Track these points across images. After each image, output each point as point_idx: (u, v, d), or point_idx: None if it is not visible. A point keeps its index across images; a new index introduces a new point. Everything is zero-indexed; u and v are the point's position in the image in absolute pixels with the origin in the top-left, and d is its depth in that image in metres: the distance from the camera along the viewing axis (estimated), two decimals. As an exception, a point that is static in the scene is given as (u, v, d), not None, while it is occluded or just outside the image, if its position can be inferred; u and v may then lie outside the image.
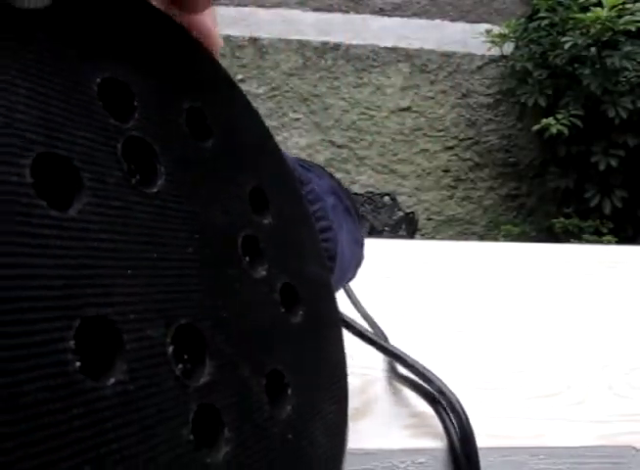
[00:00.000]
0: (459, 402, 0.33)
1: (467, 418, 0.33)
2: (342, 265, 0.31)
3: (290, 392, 0.15)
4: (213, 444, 0.13)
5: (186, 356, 0.13)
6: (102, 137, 0.12)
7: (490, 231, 2.46)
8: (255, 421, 0.14)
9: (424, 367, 0.35)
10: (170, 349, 0.12)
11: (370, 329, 0.44)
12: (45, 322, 0.10)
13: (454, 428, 0.34)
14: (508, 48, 2.35)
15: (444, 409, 0.35)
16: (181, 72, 0.16)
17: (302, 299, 0.17)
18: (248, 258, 0.16)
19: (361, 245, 0.35)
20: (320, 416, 0.16)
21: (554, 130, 2.07)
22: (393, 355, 0.36)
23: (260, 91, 2.39)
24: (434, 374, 0.35)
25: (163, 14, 0.16)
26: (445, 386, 0.34)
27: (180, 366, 0.12)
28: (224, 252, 0.15)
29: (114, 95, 0.13)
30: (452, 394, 0.34)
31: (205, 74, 0.17)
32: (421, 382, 0.37)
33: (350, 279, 0.36)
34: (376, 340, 0.37)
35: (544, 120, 2.10)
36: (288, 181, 0.19)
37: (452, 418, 0.34)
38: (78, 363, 0.10)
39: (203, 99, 0.16)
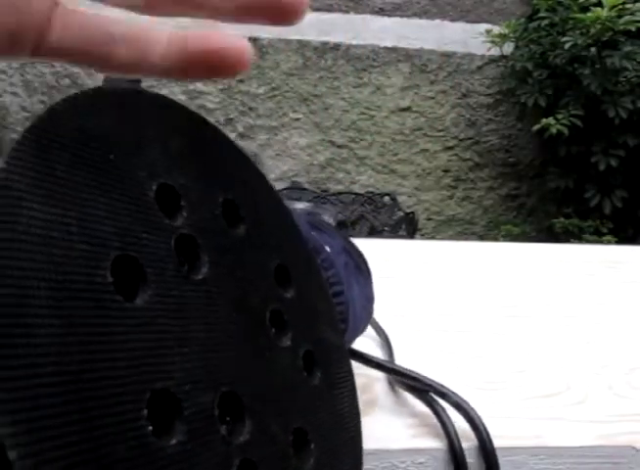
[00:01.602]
0: (480, 419, 0.33)
1: (488, 435, 0.32)
2: (355, 323, 0.33)
3: (312, 446, 0.17)
4: None
5: (228, 418, 0.15)
6: (161, 237, 0.15)
7: (490, 231, 2.46)
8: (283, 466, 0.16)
9: (441, 385, 0.35)
10: (217, 412, 0.14)
11: (377, 335, 0.44)
12: (124, 395, 0.12)
13: (454, 428, 0.34)
14: (508, 48, 2.35)
15: (443, 410, 0.35)
16: (215, 168, 0.18)
17: (320, 362, 0.20)
18: (274, 330, 0.18)
19: (371, 301, 0.37)
20: (339, 466, 0.18)
21: (554, 130, 2.07)
22: (406, 376, 0.36)
23: (260, 91, 2.39)
24: (449, 389, 0.35)
25: (192, 113, 0.18)
26: (465, 402, 0.34)
27: (224, 426, 0.15)
28: (256, 326, 0.17)
29: (167, 198, 0.16)
30: (472, 410, 0.33)
31: (235, 166, 0.19)
32: (421, 383, 0.37)
33: (362, 332, 0.38)
34: (388, 365, 0.37)
35: (544, 120, 2.10)
36: (306, 256, 0.22)
37: (452, 419, 0.34)
38: (150, 428, 0.12)
39: (235, 190, 0.19)
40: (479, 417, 0.33)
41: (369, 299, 0.36)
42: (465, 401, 0.34)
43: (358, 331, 0.35)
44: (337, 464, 0.18)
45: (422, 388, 0.37)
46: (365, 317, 0.36)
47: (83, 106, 0.15)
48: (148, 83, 2.23)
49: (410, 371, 0.36)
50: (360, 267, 0.36)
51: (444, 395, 0.35)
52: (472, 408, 0.33)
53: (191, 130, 0.18)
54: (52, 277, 0.12)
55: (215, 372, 0.15)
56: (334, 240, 0.33)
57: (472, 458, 0.33)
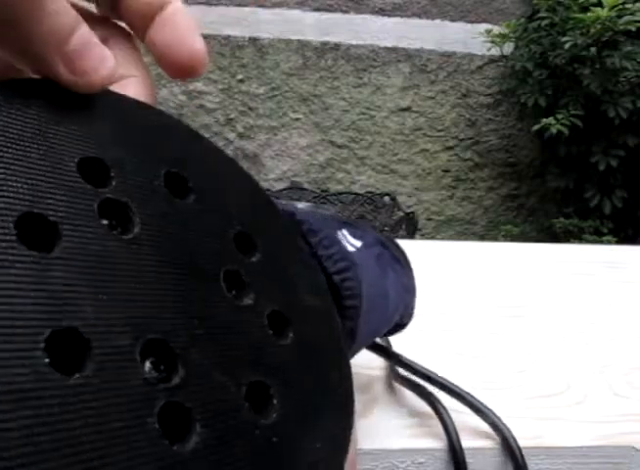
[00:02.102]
0: (514, 438, 0.33)
1: (522, 456, 0.32)
2: (383, 308, 0.32)
3: (275, 402, 0.17)
4: (183, 436, 0.15)
5: (163, 367, 0.15)
6: (81, 199, 0.16)
7: (490, 231, 2.47)
8: (230, 422, 0.16)
9: (479, 401, 0.35)
10: (138, 356, 0.15)
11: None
12: (23, 328, 0.13)
13: (454, 428, 0.34)
14: (508, 48, 2.35)
15: (445, 410, 0.35)
16: (160, 144, 0.20)
17: (293, 324, 0.20)
18: (234, 291, 0.19)
19: (412, 292, 0.36)
20: (313, 426, 0.18)
21: (554, 130, 2.07)
22: (443, 387, 0.36)
23: (260, 91, 2.39)
24: (487, 407, 0.35)
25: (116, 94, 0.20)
26: (500, 420, 0.34)
27: (155, 374, 0.15)
28: (204, 282, 0.18)
29: (93, 169, 0.17)
30: (507, 429, 0.33)
31: (184, 143, 0.21)
32: (420, 382, 0.37)
33: (404, 325, 0.37)
34: (429, 374, 0.37)
35: (544, 120, 2.10)
36: (277, 227, 0.23)
37: (453, 419, 0.34)
38: (47, 360, 0.13)
39: (182, 165, 0.20)
40: (513, 437, 0.33)
41: (407, 288, 0.36)
42: (500, 420, 0.34)
43: (389, 319, 0.35)
44: (311, 424, 0.18)
45: (422, 389, 0.37)
46: (401, 308, 0.35)
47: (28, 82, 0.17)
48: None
49: (446, 380, 0.36)
50: (397, 258, 0.36)
51: (478, 409, 0.35)
52: (507, 428, 0.34)
53: (132, 110, 0.20)
54: None
55: (139, 319, 0.15)
56: (366, 233, 0.34)
57: (496, 457, 0.33)
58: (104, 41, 0.20)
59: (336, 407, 0.19)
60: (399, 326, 0.37)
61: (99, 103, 0.18)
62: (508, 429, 0.33)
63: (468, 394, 0.35)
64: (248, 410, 0.16)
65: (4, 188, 0.14)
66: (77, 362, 0.14)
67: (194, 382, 0.15)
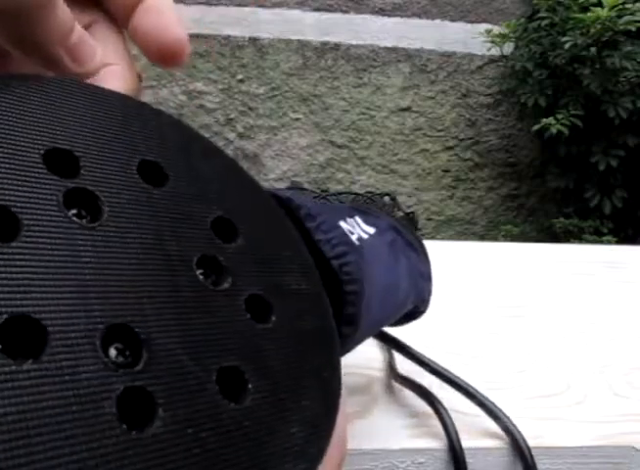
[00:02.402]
0: (525, 441, 0.33)
1: (532, 458, 0.32)
2: (390, 295, 0.32)
3: (250, 386, 0.17)
4: (145, 421, 0.15)
5: (128, 353, 0.15)
6: (44, 190, 0.16)
7: (490, 231, 2.47)
8: (198, 406, 0.16)
9: (492, 403, 0.35)
10: (99, 342, 0.15)
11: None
12: None
13: (454, 428, 0.34)
14: (508, 48, 2.35)
15: (445, 409, 0.35)
16: (133, 134, 0.20)
17: (276, 308, 0.19)
18: (214, 276, 0.18)
19: (427, 278, 0.36)
20: (290, 410, 0.18)
21: (554, 130, 2.07)
22: (459, 388, 0.36)
23: (260, 91, 2.39)
24: (501, 410, 0.35)
25: (93, 87, 0.20)
26: (513, 424, 0.34)
27: (120, 359, 0.15)
28: (174, 268, 0.17)
29: (59, 160, 0.17)
30: (519, 432, 0.33)
31: (160, 130, 0.20)
32: (420, 382, 0.37)
33: (420, 313, 0.37)
34: (443, 372, 0.37)
35: (544, 120, 2.10)
36: (264, 211, 0.22)
37: (453, 419, 0.34)
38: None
39: (157, 152, 0.19)
40: (524, 440, 0.33)
41: (422, 274, 0.36)
42: (512, 424, 0.34)
43: (401, 305, 0.35)
44: (289, 409, 0.18)
45: (422, 388, 0.37)
46: (413, 295, 0.35)
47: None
48: (147, 83, 2.23)
49: (462, 380, 0.36)
50: (412, 244, 0.35)
51: (492, 413, 0.35)
52: (519, 432, 0.34)
53: (108, 101, 0.20)
54: None
55: (102, 305, 0.15)
56: (379, 220, 0.34)
57: (497, 457, 0.34)
58: (87, 27, 0.21)
59: (318, 393, 0.19)
60: (414, 314, 0.36)
61: (74, 95, 0.19)
62: (518, 430, 0.34)
63: (478, 393, 0.35)
64: (215, 394, 0.16)
65: None
66: (34, 350, 0.14)
67: (157, 367, 0.15)
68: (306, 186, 2.41)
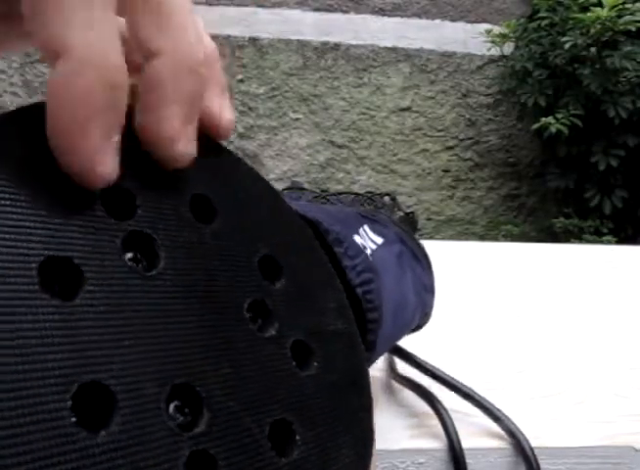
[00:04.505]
0: (528, 443, 0.33)
1: (536, 459, 0.32)
2: (401, 311, 0.32)
3: (298, 438, 0.17)
4: None
5: (187, 411, 0.15)
6: (103, 236, 0.15)
7: (490, 231, 2.47)
8: (255, 465, 0.16)
9: (493, 406, 0.35)
10: (164, 404, 0.14)
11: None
12: (48, 386, 0.13)
13: (454, 428, 0.34)
14: (508, 48, 2.35)
15: (445, 410, 0.35)
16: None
17: (316, 352, 0.19)
18: (260, 321, 0.18)
19: (431, 291, 0.36)
20: (334, 460, 0.18)
21: (553, 130, 2.07)
22: (460, 391, 0.36)
23: (260, 91, 2.39)
24: (503, 413, 0.35)
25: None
26: (515, 426, 0.34)
27: (181, 419, 0.15)
28: (228, 317, 0.17)
29: (117, 200, 0.16)
30: (522, 434, 0.33)
31: (208, 159, 0.19)
32: (420, 382, 0.37)
33: (421, 326, 0.37)
34: (447, 378, 0.37)
35: (544, 119, 2.10)
36: (304, 245, 0.21)
37: (453, 419, 0.34)
38: (74, 419, 0.13)
39: (206, 184, 0.18)
40: (527, 442, 0.33)
41: (426, 287, 0.36)
42: (515, 425, 0.34)
43: (410, 320, 0.35)
44: (332, 459, 0.18)
45: (422, 389, 0.37)
46: (420, 309, 0.35)
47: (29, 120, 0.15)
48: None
49: (465, 386, 0.36)
50: (417, 257, 0.35)
51: (494, 415, 0.35)
52: (522, 433, 0.34)
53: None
54: None
55: (166, 364, 0.15)
56: (387, 229, 0.33)
57: (505, 457, 0.34)
58: None
59: (356, 438, 0.19)
60: (415, 327, 0.36)
61: None
62: (521, 432, 0.33)
63: (479, 396, 0.35)
64: (270, 451, 0.16)
65: (23, 232, 0.14)
66: (103, 417, 0.13)
67: (219, 427, 0.15)
68: (306, 186, 2.41)
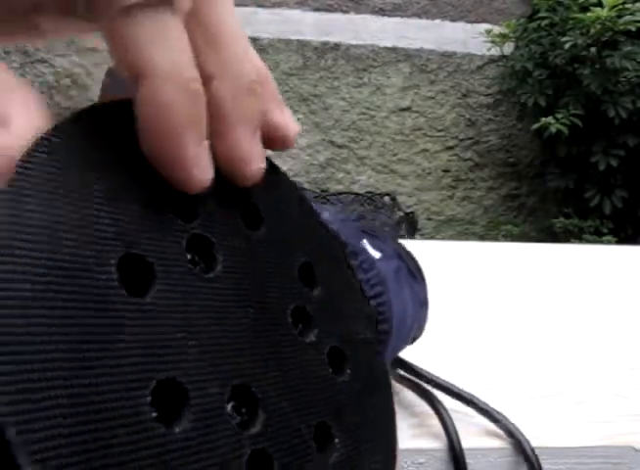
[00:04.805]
0: (529, 443, 0.33)
1: (537, 459, 0.32)
2: (402, 325, 0.33)
3: (337, 441, 0.18)
4: None
5: (244, 410, 0.15)
6: (171, 237, 0.16)
7: (490, 231, 2.47)
8: (304, 466, 0.16)
9: (493, 408, 0.35)
10: (227, 403, 0.15)
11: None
12: (128, 382, 0.13)
13: (454, 428, 0.34)
14: (508, 48, 2.35)
15: (445, 410, 0.35)
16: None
17: (349, 359, 0.20)
18: (300, 326, 0.19)
19: (425, 306, 0.37)
20: (369, 461, 0.19)
21: (553, 129, 2.08)
22: (461, 398, 0.36)
23: (260, 91, 2.39)
24: (501, 414, 0.35)
25: None
26: (514, 426, 0.34)
27: (238, 418, 0.15)
28: (275, 322, 0.18)
29: (181, 200, 0.16)
30: (522, 435, 0.33)
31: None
32: (420, 382, 0.37)
33: (415, 338, 0.38)
34: (447, 386, 0.37)
35: (543, 119, 2.10)
36: (334, 255, 0.22)
37: (453, 419, 0.34)
38: (154, 414, 0.13)
39: (254, 192, 0.19)
40: (528, 442, 0.33)
41: (422, 303, 0.37)
42: (514, 426, 0.34)
43: (408, 335, 0.35)
44: (363, 462, 0.18)
45: (423, 389, 0.37)
46: (416, 323, 0.36)
47: (101, 117, 0.16)
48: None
49: (464, 391, 0.36)
50: (413, 273, 0.36)
51: (492, 416, 0.35)
52: (522, 434, 0.34)
53: None
54: (57, 272, 0.13)
55: (225, 365, 0.15)
56: (386, 245, 0.34)
57: (506, 457, 0.34)
58: None
59: (384, 442, 0.20)
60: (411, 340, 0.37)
61: None
62: (522, 433, 0.34)
63: (478, 399, 0.35)
64: (316, 452, 0.17)
65: (105, 227, 0.14)
66: (175, 413, 0.14)
67: (273, 427, 0.16)
68: (306, 186, 2.41)
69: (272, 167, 0.21)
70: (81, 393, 0.12)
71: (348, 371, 0.19)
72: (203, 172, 0.16)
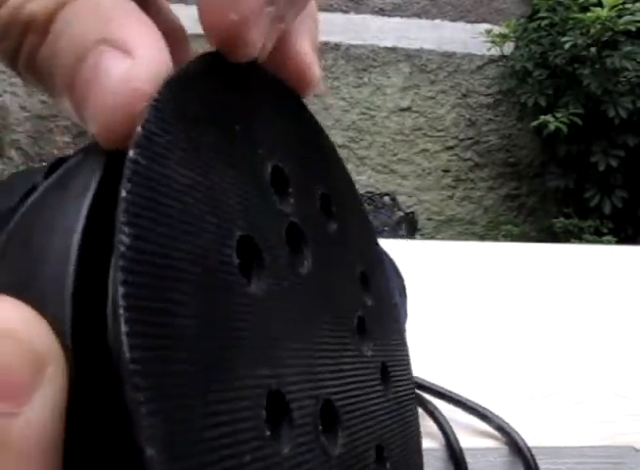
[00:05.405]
0: (523, 440, 0.33)
1: (532, 456, 0.32)
2: None
3: (388, 465, 0.17)
4: None
5: (322, 432, 0.14)
6: (275, 222, 0.14)
7: (490, 231, 2.47)
8: None
9: (483, 407, 0.35)
10: (320, 421, 0.13)
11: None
12: (246, 389, 0.11)
13: (450, 428, 0.34)
14: (508, 48, 2.35)
15: (436, 409, 0.35)
16: (315, 159, 0.17)
17: (394, 377, 0.19)
18: (358, 338, 0.17)
19: (406, 317, 0.37)
20: None
21: (552, 127, 2.07)
22: (452, 400, 0.36)
23: (260, 91, 2.39)
24: (492, 412, 0.35)
25: (298, 96, 0.17)
26: (507, 424, 0.34)
27: (323, 437, 0.14)
28: (346, 332, 0.16)
29: (278, 182, 0.15)
30: (515, 432, 0.33)
31: (330, 160, 0.18)
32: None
33: None
34: (434, 388, 0.37)
35: (543, 117, 2.10)
36: (383, 268, 0.21)
37: (451, 420, 0.34)
38: (269, 433, 0.11)
39: (329, 186, 0.17)
40: (522, 439, 0.33)
41: (404, 314, 0.37)
42: (506, 423, 0.34)
43: None
44: None
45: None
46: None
47: (215, 67, 0.14)
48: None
49: (454, 393, 0.36)
50: (400, 291, 0.36)
51: (484, 416, 0.35)
52: (515, 431, 0.34)
53: (299, 115, 0.17)
54: (188, 248, 0.11)
55: (316, 377, 0.14)
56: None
57: (506, 457, 0.34)
58: None
59: (420, 453, 0.20)
60: None
61: (262, 92, 0.16)
62: (517, 432, 0.34)
63: (469, 400, 0.35)
64: None
65: (223, 208, 0.12)
66: (281, 429, 0.12)
67: (349, 451, 0.14)
68: (306, 186, 2.41)
69: (341, 163, 0.19)
70: (205, 388, 0.10)
71: (392, 390, 0.18)
72: (253, 37, 0.13)
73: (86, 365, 0.10)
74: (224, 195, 0.12)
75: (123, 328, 0.09)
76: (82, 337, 0.10)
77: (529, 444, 0.34)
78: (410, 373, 0.21)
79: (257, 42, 0.14)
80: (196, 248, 0.11)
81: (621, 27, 2.07)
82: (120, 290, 0.09)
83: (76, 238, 0.10)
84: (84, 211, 0.11)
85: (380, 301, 0.19)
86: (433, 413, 0.35)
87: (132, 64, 0.12)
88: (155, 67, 0.12)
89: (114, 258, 0.10)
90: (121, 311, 0.09)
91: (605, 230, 2.18)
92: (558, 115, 2.09)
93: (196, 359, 0.10)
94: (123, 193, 0.10)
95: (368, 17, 2.41)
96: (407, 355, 0.21)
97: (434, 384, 0.37)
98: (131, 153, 0.10)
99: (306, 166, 0.16)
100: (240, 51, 0.14)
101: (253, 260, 0.13)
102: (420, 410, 0.36)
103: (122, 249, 0.10)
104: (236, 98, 0.14)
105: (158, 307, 0.10)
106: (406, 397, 0.20)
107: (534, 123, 2.14)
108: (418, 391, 0.36)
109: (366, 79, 2.43)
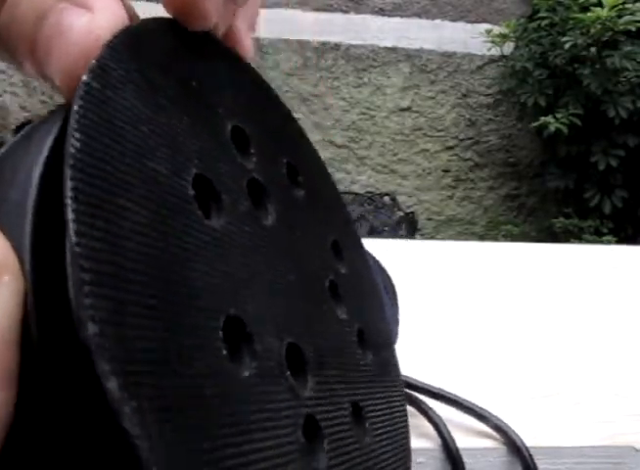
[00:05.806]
0: (521, 440, 0.33)
1: (530, 455, 0.32)
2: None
3: (367, 424, 0.17)
4: (316, 452, 0.14)
5: (289, 372, 0.14)
6: (235, 173, 0.15)
7: (490, 231, 2.47)
8: (346, 441, 0.15)
9: (481, 407, 0.35)
10: (284, 358, 0.14)
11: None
12: (204, 311, 0.12)
13: (445, 428, 0.34)
14: (508, 48, 2.35)
15: (430, 408, 0.35)
16: (279, 129, 0.18)
17: (371, 344, 0.19)
18: (333, 300, 0.18)
19: (397, 323, 0.37)
20: (391, 446, 0.18)
21: (552, 128, 2.08)
22: (450, 401, 0.36)
23: (260, 91, 2.39)
24: (489, 412, 0.35)
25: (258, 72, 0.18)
26: (504, 423, 0.34)
27: (291, 376, 0.14)
28: (317, 289, 0.17)
29: (239, 141, 0.15)
30: (513, 431, 0.33)
31: (295, 133, 0.19)
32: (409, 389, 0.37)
33: None
34: (429, 388, 0.37)
35: (543, 118, 2.10)
36: (356, 240, 0.21)
37: (449, 420, 0.34)
38: (225, 351, 0.12)
39: (295, 157, 0.18)
40: (519, 438, 0.33)
41: (395, 321, 0.37)
42: (503, 423, 0.34)
43: None
44: (389, 450, 0.18)
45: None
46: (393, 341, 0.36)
47: (171, 29, 0.15)
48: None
49: (450, 393, 0.36)
50: (387, 288, 0.36)
51: (481, 416, 0.35)
52: (513, 431, 0.34)
53: (260, 85, 0.18)
54: (138, 166, 0.11)
55: (280, 319, 0.14)
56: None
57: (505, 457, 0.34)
58: None
59: (403, 438, 0.20)
60: None
61: (229, 64, 0.17)
62: (514, 431, 0.34)
63: (466, 400, 0.35)
64: (355, 429, 0.16)
65: (179, 146, 0.13)
66: (241, 355, 0.12)
67: (321, 396, 0.15)
68: (306, 186, 2.41)
69: (306, 139, 0.20)
70: (166, 302, 0.11)
71: (370, 356, 0.19)
72: (213, 9, 0.14)
73: (44, 271, 0.11)
74: (180, 136, 0.13)
75: (70, 216, 0.09)
76: (40, 252, 0.11)
77: (529, 444, 0.34)
78: (393, 349, 0.21)
79: (212, 14, 0.15)
80: (147, 169, 0.11)
81: (621, 27, 2.06)
82: (69, 184, 0.10)
83: (38, 171, 0.11)
84: (45, 152, 0.11)
85: (355, 272, 0.20)
86: (427, 413, 0.34)
87: (92, 17, 0.13)
88: (113, 18, 0.13)
89: (64, 164, 0.10)
90: (69, 201, 0.10)
91: (605, 230, 2.18)
92: (558, 115, 2.09)
93: (147, 265, 0.10)
94: (75, 107, 0.10)
95: (368, 17, 2.41)
96: (390, 335, 0.22)
97: (431, 386, 0.37)
98: (84, 77, 0.11)
99: (270, 136, 0.17)
100: (195, 21, 0.15)
101: (212, 200, 0.13)
102: (414, 410, 0.36)
103: (72, 151, 0.10)
104: (192, 57, 0.15)
105: (107, 208, 0.10)
106: (389, 367, 0.20)
107: (534, 124, 2.14)
108: (415, 392, 0.36)
109: (366, 79, 2.43)
